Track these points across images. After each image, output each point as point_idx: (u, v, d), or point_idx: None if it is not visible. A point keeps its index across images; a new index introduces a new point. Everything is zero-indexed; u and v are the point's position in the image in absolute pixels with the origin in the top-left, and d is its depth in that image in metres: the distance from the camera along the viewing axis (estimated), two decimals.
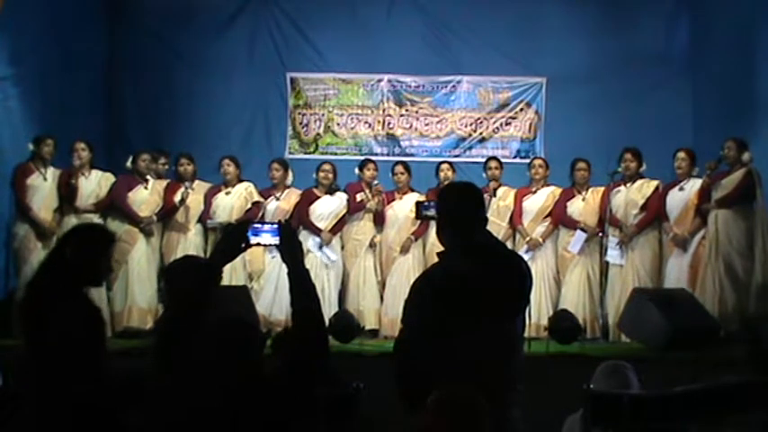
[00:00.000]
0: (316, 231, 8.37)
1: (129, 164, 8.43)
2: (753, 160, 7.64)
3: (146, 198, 8.39)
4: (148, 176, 8.48)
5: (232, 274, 7.94)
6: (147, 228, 8.32)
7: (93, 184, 8.27)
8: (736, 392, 3.91)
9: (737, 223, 7.56)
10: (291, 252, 3.22)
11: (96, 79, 10.35)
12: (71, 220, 8.09)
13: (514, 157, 10.26)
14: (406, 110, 10.57)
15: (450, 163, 8.83)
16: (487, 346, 3.32)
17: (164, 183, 8.60)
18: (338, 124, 10.62)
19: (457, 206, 3.56)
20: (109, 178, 8.37)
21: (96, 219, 8.19)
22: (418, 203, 3.80)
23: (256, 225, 3.30)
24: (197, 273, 3.45)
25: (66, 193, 8.10)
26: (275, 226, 3.27)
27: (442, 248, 3.65)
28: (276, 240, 3.25)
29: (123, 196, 8.30)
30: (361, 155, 10.08)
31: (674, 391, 3.89)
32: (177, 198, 8.37)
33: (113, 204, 8.30)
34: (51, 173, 8.11)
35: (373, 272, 8.47)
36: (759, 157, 7.74)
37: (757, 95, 9.03)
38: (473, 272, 3.37)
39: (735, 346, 6.73)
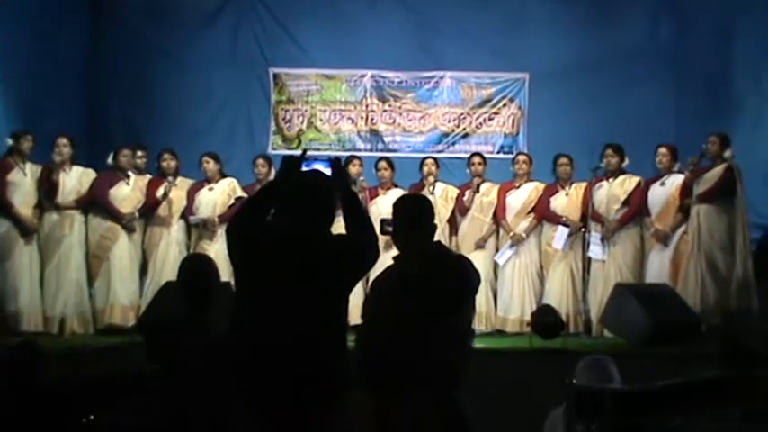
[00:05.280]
0: None
1: (110, 160, 8.37)
2: (734, 156, 7.67)
3: (127, 194, 8.34)
4: (130, 172, 8.42)
5: None
6: (129, 224, 8.27)
7: (74, 180, 8.19)
8: (715, 386, 3.93)
9: (719, 218, 7.59)
10: (343, 182, 3.74)
11: (78, 75, 10.29)
12: (52, 217, 8.09)
13: (498, 153, 10.28)
14: (389, 105, 10.57)
15: (433, 158, 8.83)
16: (435, 340, 3.74)
17: (145, 179, 8.55)
18: (321, 120, 10.61)
19: (411, 216, 4.02)
20: (90, 174, 8.30)
21: (78, 215, 8.17)
22: (383, 221, 4.12)
23: (308, 158, 3.75)
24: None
25: (47, 189, 8.04)
26: (326, 159, 3.75)
27: None
28: (328, 172, 3.70)
29: (105, 193, 8.24)
30: (345, 151, 10.04)
31: (655, 385, 3.90)
32: (160, 193, 8.32)
33: (95, 201, 8.24)
34: (30, 168, 8.03)
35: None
36: (738, 153, 7.78)
37: (737, 91, 9.11)
38: (423, 274, 3.83)
39: (714, 341, 6.76)
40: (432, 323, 3.75)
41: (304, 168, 3.72)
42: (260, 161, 8.65)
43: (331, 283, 3.51)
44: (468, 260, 4.30)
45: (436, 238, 7.70)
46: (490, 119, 10.52)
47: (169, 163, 8.52)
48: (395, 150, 10.30)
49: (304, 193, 3.60)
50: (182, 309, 4.29)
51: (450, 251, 4.25)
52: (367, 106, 10.59)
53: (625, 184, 8.18)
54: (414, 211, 4.06)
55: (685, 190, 7.80)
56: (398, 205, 4.14)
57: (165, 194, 8.32)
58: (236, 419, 3.51)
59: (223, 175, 8.65)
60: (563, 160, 8.45)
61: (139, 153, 8.67)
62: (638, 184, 8.16)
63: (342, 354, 3.56)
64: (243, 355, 3.46)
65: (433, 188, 8.43)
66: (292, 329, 3.42)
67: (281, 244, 3.50)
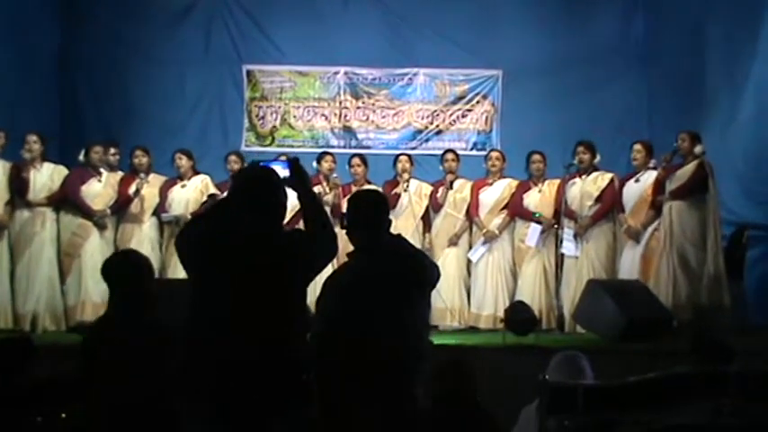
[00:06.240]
0: None
1: (81, 157, 8.30)
2: (705, 153, 7.72)
3: (99, 191, 8.27)
4: (102, 169, 8.35)
5: None
6: (100, 221, 8.21)
7: (46, 177, 8.13)
8: (687, 382, 3.96)
9: (691, 214, 7.61)
10: (302, 182, 3.70)
11: (50, 72, 10.24)
12: (23, 214, 8.05)
13: (471, 150, 10.30)
14: (363, 102, 10.57)
15: (407, 155, 8.82)
16: (392, 332, 3.79)
17: (117, 176, 8.50)
18: (294, 117, 10.59)
19: (366, 211, 4.02)
20: (61, 171, 8.24)
21: (49, 212, 8.12)
22: (342, 215, 4.07)
23: (267, 160, 3.78)
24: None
25: (18, 186, 7.98)
26: (285, 160, 3.72)
27: None
28: (287, 173, 3.67)
29: (76, 189, 8.17)
30: (318, 148, 10.04)
31: (628, 380, 3.92)
32: (132, 190, 8.27)
33: (66, 198, 8.17)
34: (2, 166, 7.98)
35: (329, 265, 8.41)
36: (710, 149, 7.82)
37: (709, 88, 9.16)
38: (377, 269, 3.86)
39: (686, 337, 6.81)
40: (386, 319, 3.79)
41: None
42: (232, 158, 8.62)
43: (289, 280, 3.53)
44: (425, 254, 4.37)
45: (410, 235, 7.80)
46: (463, 116, 10.54)
47: (141, 160, 8.47)
48: (368, 147, 10.28)
49: (257, 190, 3.62)
50: (112, 310, 4.23)
51: (407, 245, 4.16)
52: (340, 103, 10.57)
53: (598, 181, 8.20)
54: (366, 207, 4.07)
55: (658, 187, 7.83)
56: (352, 201, 4.19)
57: (137, 191, 8.27)
58: (193, 420, 3.51)
59: (196, 172, 8.62)
60: (536, 157, 8.45)
61: (112, 150, 8.61)
62: (611, 180, 8.19)
63: (301, 350, 3.57)
64: (202, 354, 3.46)
65: (407, 185, 8.44)
66: (251, 327, 3.43)
67: (237, 243, 3.51)
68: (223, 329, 3.44)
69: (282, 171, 3.69)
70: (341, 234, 3.98)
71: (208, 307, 3.49)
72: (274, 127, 10.58)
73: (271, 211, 3.63)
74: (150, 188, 8.41)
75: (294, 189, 3.70)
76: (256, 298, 3.45)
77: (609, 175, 8.23)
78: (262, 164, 3.75)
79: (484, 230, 8.40)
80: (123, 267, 4.23)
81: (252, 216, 3.57)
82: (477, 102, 10.52)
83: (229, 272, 3.47)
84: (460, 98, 10.54)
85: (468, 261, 8.49)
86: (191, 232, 3.68)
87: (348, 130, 10.58)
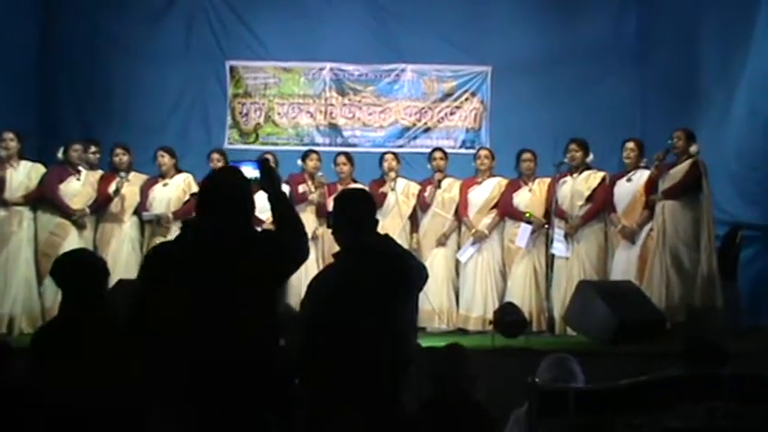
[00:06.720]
0: (257, 224, 8.19)
1: (60, 154, 8.20)
2: (699, 152, 7.62)
3: (78, 190, 8.18)
4: (81, 167, 8.25)
5: None
6: (79, 220, 8.11)
7: (23, 175, 8.04)
8: (680, 384, 3.89)
9: (684, 214, 7.55)
10: (271, 182, 3.67)
11: (29, 68, 10.10)
12: None
13: (459, 148, 10.22)
14: (349, 99, 10.47)
15: (394, 153, 8.75)
16: (378, 334, 3.73)
17: (97, 174, 8.40)
18: (279, 114, 10.48)
19: (351, 211, 3.96)
20: (39, 169, 8.14)
21: (27, 211, 8.03)
22: (328, 215, 4.12)
23: (237, 161, 3.81)
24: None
25: None
26: (254, 160, 3.76)
27: None
28: (257, 173, 3.66)
29: (54, 188, 8.08)
30: (303, 145, 9.96)
31: (619, 383, 3.85)
32: (112, 188, 8.18)
33: (44, 196, 8.07)
34: None
35: (315, 264, 8.29)
36: (704, 148, 7.75)
37: (702, 86, 9.13)
38: (361, 270, 3.79)
39: (679, 338, 6.73)
40: (372, 321, 3.72)
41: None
42: (215, 156, 8.52)
43: (259, 282, 3.47)
44: (412, 255, 4.36)
45: (397, 235, 7.72)
46: (452, 113, 10.45)
47: (121, 158, 8.39)
48: (354, 145, 10.18)
49: (221, 190, 3.56)
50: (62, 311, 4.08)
51: (394, 245, 4.09)
52: (326, 100, 10.47)
53: (589, 180, 8.11)
54: (352, 206, 4.02)
55: (651, 186, 7.75)
56: (337, 200, 4.12)
57: (117, 190, 8.19)
58: (167, 423, 3.43)
59: (178, 171, 8.53)
60: (526, 155, 8.36)
61: (92, 148, 8.54)
62: (603, 179, 8.10)
63: (277, 352, 3.52)
64: (178, 356, 3.38)
65: (394, 184, 8.37)
66: (225, 330, 3.36)
67: (208, 243, 3.46)
68: (198, 332, 3.36)
69: (252, 172, 3.65)
70: (326, 234, 3.89)
71: (182, 310, 3.40)
72: (258, 124, 10.48)
73: (238, 211, 3.55)
74: (131, 187, 8.33)
75: (264, 190, 3.65)
76: (227, 300, 3.39)
77: (600, 174, 8.14)
78: (231, 164, 3.78)
79: (473, 230, 8.31)
80: (73, 267, 4.07)
81: (219, 217, 3.51)
82: (466, 99, 10.42)
83: (198, 275, 3.40)
84: (449, 95, 10.44)
85: (457, 262, 8.42)
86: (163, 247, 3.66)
87: (334, 128, 10.47)
